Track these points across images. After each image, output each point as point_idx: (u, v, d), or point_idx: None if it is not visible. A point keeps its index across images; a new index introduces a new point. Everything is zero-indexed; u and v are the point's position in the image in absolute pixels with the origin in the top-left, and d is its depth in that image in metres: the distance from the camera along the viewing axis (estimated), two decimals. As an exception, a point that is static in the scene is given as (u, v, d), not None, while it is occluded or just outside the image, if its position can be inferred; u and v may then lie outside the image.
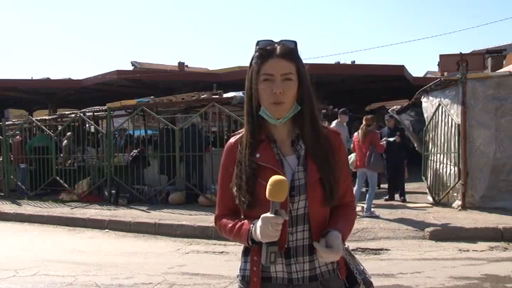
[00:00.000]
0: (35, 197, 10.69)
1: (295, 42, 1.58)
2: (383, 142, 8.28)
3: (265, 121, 1.57)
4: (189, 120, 9.49)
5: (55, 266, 5.47)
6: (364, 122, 7.87)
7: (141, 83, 16.58)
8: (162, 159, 9.54)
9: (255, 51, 1.56)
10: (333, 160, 1.58)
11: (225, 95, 9.51)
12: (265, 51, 1.53)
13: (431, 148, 9.07)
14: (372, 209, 7.56)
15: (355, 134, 8.17)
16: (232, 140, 1.66)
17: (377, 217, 7.34)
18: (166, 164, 9.26)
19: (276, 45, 1.55)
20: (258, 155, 1.56)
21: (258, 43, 1.57)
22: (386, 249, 5.84)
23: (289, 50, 1.54)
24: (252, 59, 1.56)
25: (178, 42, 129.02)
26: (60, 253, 6.23)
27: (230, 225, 1.60)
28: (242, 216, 1.61)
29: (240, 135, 1.64)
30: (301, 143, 1.58)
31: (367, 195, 7.59)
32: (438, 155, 8.77)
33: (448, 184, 8.24)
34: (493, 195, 7.78)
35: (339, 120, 8.96)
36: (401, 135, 9.40)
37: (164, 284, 4.67)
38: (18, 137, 11.83)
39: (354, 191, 7.67)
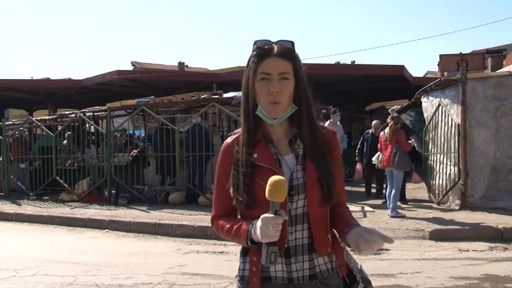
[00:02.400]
0: (35, 197, 10.69)
1: (292, 42, 1.58)
2: (411, 141, 8.03)
3: (262, 121, 1.57)
4: (188, 121, 9.48)
5: (55, 266, 5.47)
6: (391, 121, 7.74)
7: (141, 83, 16.55)
8: (158, 159, 9.52)
9: (253, 51, 1.56)
10: (330, 159, 1.58)
11: (225, 95, 9.50)
12: (263, 50, 1.54)
13: (431, 148, 9.06)
14: (398, 210, 7.52)
15: (381, 133, 8.12)
16: (229, 139, 1.66)
17: (403, 217, 7.31)
18: (166, 164, 9.25)
19: (273, 44, 1.55)
20: (255, 155, 1.55)
21: (255, 43, 1.57)
22: (386, 249, 5.83)
23: (287, 50, 1.54)
24: (250, 59, 1.56)
25: (178, 42, 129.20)
26: (60, 253, 6.23)
27: (228, 226, 1.59)
28: (239, 216, 1.61)
29: (237, 135, 1.63)
30: (298, 142, 1.58)
31: (392, 195, 7.50)
32: (438, 155, 8.76)
33: (448, 184, 8.24)
34: (493, 195, 7.78)
35: (331, 120, 8.97)
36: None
37: (164, 284, 4.67)
38: (19, 134, 11.82)
39: (388, 192, 7.57)
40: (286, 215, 1.46)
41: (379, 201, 8.95)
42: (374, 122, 10.28)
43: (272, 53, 1.52)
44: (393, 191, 7.51)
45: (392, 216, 7.34)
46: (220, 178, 1.64)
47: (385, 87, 17.69)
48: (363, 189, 10.18)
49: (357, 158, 9.92)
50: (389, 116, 7.96)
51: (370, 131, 9.96)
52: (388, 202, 7.64)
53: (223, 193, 1.60)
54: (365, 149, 9.70)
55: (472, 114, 7.83)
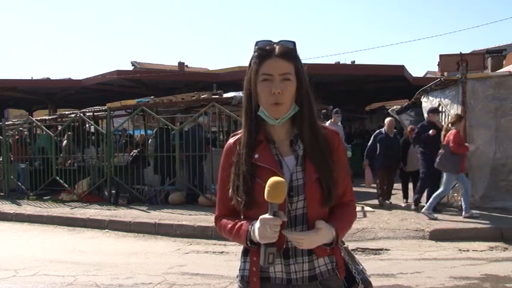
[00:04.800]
0: (35, 197, 10.68)
1: (293, 43, 1.58)
2: (468, 145, 7.37)
3: (264, 121, 1.57)
4: (189, 120, 9.48)
5: (55, 266, 5.47)
6: (452, 119, 7.33)
7: (141, 83, 16.57)
8: (157, 159, 9.52)
9: (254, 52, 1.56)
10: (331, 160, 1.57)
11: (225, 95, 9.50)
12: (264, 51, 1.53)
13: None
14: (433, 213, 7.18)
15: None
16: (231, 140, 1.66)
17: (435, 219, 7.00)
18: (166, 164, 9.24)
19: (274, 45, 1.54)
20: (256, 156, 1.56)
21: (256, 43, 1.57)
22: (386, 249, 5.84)
23: (288, 50, 1.54)
24: (251, 60, 1.56)
25: (178, 42, 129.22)
26: (60, 253, 6.23)
27: (229, 225, 1.60)
28: (242, 217, 1.61)
29: (239, 135, 1.64)
30: (299, 143, 1.58)
31: (435, 193, 7.22)
32: (438, 155, 8.75)
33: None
34: (493, 195, 7.78)
35: (332, 120, 8.93)
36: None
37: (164, 284, 4.67)
38: (19, 135, 11.84)
39: (439, 192, 7.15)
40: (285, 217, 1.46)
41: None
42: (387, 120, 8.87)
43: (273, 54, 1.52)
44: (440, 190, 7.21)
45: (430, 218, 7.03)
46: (223, 179, 1.64)
47: (385, 87, 17.71)
48: (365, 189, 9.87)
49: (364, 162, 8.92)
50: (455, 114, 7.55)
51: (383, 130, 8.74)
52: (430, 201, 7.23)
53: (226, 193, 1.61)
54: (378, 151, 8.58)
55: (472, 114, 7.83)
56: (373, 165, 8.79)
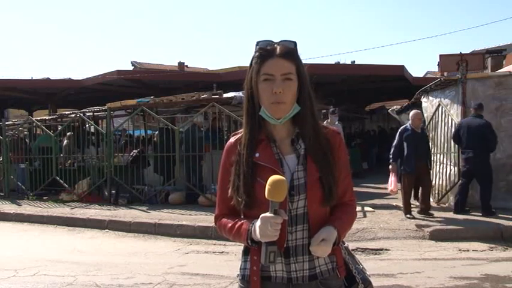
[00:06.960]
0: (35, 197, 10.68)
1: (294, 43, 1.58)
2: None
3: (265, 121, 1.57)
4: (189, 121, 9.48)
5: (55, 266, 5.47)
6: None
7: (141, 83, 16.57)
8: (157, 159, 9.51)
9: (255, 52, 1.56)
10: (332, 160, 1.58)
11: (225, 95, 9.50)
12: (265, 51, 1.54)
13: (432, 148, 9.05)
14: None
15: None
16: (232, 139, 1.67)
17: None
18: (166, 164, 9.24)
19: (275, 45, 1.55)
20: (257, 155, 1.56)
21: (257, 43, 1.57)
22: (386, 249, 5.84)
23: (289, 50, 1.54)
24: (252, 59, 1.57)
25: (178, 42, 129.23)
26: (60, 253, 6.23)
27: (230, 224, 1.60)
28: (242, 216, 1.61)
29: (240, 135, 1.64)
30: (300, 142, 1.59)
31: None
32: (438, 155, 8.76)
33: (448, 184, 8.23)
34: (493, 195, 7.76)
35: (328, 120, 8.93)
36: None
37: (164, 284, 4.67)
38: (17, 136, 11.83)
39: None
40: (286, 215, 1.46)
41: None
42: (413, 112, 7.61)
43: (275, 54, 1.52)
44: None
45: None
46: (223, 178, 1.65)
47: (385, 87, 17.73)
48: (365, 189, 9.75)
49: (391, 166, 7.54)
50: None
51: (409, 125, 7.48)
52: None
53: (226, 192, 1.61)
54: (406, 152, 7.28)
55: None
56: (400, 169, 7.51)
